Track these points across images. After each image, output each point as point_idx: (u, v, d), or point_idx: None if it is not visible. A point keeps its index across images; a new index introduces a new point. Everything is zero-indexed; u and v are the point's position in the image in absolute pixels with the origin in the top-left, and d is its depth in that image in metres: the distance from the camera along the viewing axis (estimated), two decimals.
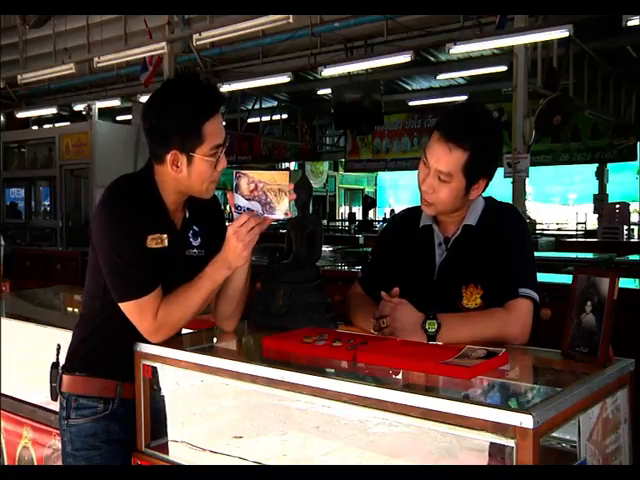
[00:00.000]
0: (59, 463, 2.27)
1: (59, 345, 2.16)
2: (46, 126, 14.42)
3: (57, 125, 14.02)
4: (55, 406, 1.97)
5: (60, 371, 1.90)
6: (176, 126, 1.67)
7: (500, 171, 7.73)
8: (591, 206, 13.96)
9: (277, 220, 1.73)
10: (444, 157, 1.73)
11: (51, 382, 2.16)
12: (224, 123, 1.79)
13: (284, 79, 9.39)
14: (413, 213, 1.99)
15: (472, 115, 1.80)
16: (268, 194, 1.64)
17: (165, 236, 1.75)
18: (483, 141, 1.75)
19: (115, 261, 1.68)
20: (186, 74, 1.78)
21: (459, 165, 1.73)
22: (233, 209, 1.67)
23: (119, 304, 1.71)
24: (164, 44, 8.87)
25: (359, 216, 19.79)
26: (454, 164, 1.73)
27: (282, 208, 1.64)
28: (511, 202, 7.55)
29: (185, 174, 1.71)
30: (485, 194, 1.93)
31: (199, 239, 1.85)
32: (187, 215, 1.84)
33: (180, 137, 1.67)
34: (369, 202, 19.52)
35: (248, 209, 1.65)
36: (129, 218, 1.69)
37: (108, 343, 1.81)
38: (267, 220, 1.68)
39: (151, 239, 1.72)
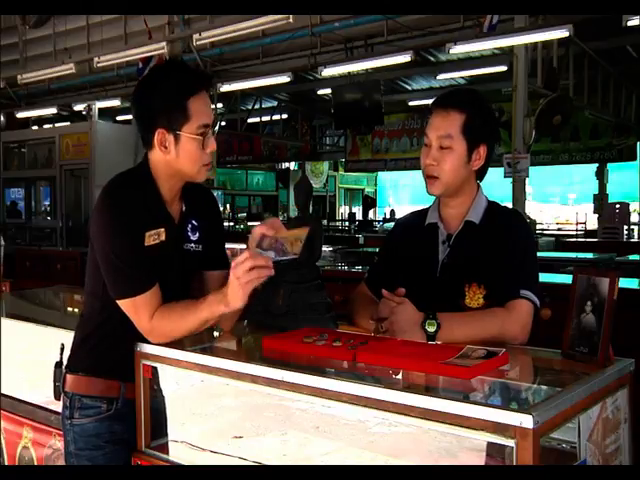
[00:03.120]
0: (59, 463, 2.27)
1: (63, 344, 2.16)
2: (46, 126, 14.42)
3: (57, 125, 14.03)
4: (55, 406, 1.97)
5: (64, 370, 1.90)
6: (161, 103, 1.68)
7: (500, 171, 7.75)
8: (591, 206, 13.97)
9: (283, 261, 1.66)
10: (443, 121, 1.83)
11: (55, 381, 2.16)
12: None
13: (284, 79, 9.39)
14: (419, 215, 2.02)
15: (462, 90, 2.01)
16: (284, 243, 1.62)
17: (162, 230, 1.74)
18: (477, 104, 1.87)
19: (112, 259, 1.68)
20: (171, 59, 1.79)
21: (458, 126, 1.81)
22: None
23: (117, 301, 1.71)
24: (164, 44, 8.86)
25: (359, 216, 19.81)
26: (453, 125, 1.82)
27: (295, 251, 1.62)
28: (511, 202, 7.59)
29: (174, 155, 1.70)
30: (485, 194, 1.95)
31: (197, 234, 1.85)
32: (184, 208, 1.83)
33: (165, 114, 1.68)
34: (369, 202, 19.53)
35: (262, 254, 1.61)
36: (127, 216, 1.68)
37: (110, 342, 1.81)
38: (269, 269, 1.61)
39: (149, 236, 1.71)
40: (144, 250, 1.70)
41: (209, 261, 1.90)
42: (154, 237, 1.72)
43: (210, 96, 1.80)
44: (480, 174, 1.91)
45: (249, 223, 19.37)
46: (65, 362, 1.94)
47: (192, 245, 1.84)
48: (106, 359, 1.82)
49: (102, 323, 1.81)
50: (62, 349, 2.20)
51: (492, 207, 1.92)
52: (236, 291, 1.59)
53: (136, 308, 1.69)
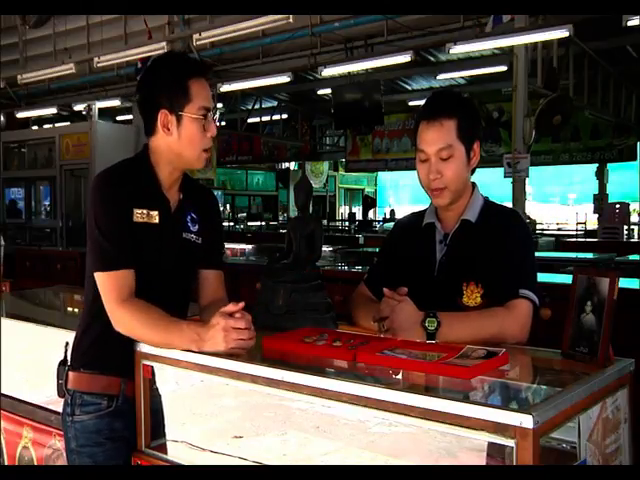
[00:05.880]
0: (59, 463, 2.27)
1: (67, 342, 2.17)
2: (46, 126, 14.42)
3: (57, 125, 14.02)
4: (55, 406, 1.97)
5: (67, 368, 1.91)
6: (162, 85, 1.74)
7: (500, 171, 7.76)
8: (591, 206, 13.97)
9: None
10: (439, 133, 1.82)
11: (58, 379, 2.17)
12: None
13: (284, 79, 9.39)
14: (417, 216, 2.03)
15: (443, 94, 1.99)
16: None
17: (155, 213, 1.77)
18: (464, 105, 1.88)
19: (94, 230, 1.72)
20: (172, 51, 1.85)
21: (454, 134, 1.82)
22: None
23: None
24: (164, 44, 8.86)
25: (359, 216, 19.82)
26: (450, 134, 1.82)
27: None
28: (511, 202, 7.59)
29: (175, 136, 1.74)
30: (485, 194, 1.96)
31: (197, 226, 1.88)
32: (181, 197, 1.86)
33: (167, 95, 1.73)
34: (369, 202, 19.54)
35: None
36: (115, 190, 1.72)
37: (109, 340, 1.80)
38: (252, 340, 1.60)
39: (137, 213, 1.74)
40: (130, 227, 1.72)
41: (205, 258, 1.92)
42: (143, 215, 1.75)
43: (212, 95, 1.83)
44: (473, 170, 1.92)
45: (249, 223, 19.40)
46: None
47: (192, 235, 1.87)
48: (106, 356, 1.82)
49: (102, 321, 1.81)
50: (66, 348, 2.21)
51: (489, 206, 1.93)
52: (219, 344, 1.57)
53: (104, 285, 1.71)
